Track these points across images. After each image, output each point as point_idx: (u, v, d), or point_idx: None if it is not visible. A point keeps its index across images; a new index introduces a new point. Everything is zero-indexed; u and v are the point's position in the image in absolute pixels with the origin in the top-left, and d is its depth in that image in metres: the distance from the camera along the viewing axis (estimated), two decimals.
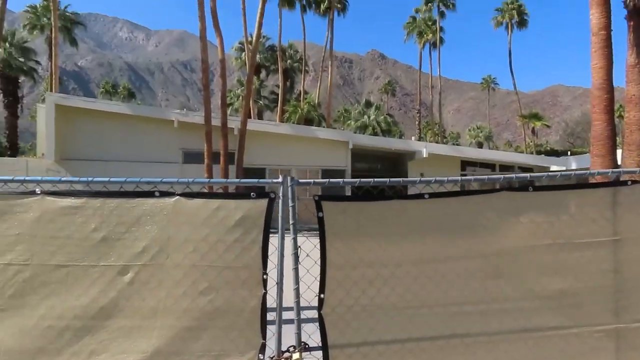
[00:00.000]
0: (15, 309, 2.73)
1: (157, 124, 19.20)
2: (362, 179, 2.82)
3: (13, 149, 39.84)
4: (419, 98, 51.16)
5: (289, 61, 47.29)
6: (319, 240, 2.79)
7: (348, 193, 19.67)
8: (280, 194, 2.82)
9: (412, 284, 2.79)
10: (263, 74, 49.27)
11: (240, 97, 46.54)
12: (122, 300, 2.76)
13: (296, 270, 2.79)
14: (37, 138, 24.97)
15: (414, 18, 49.59)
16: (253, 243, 2.77)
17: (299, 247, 2.81)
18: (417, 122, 52.10)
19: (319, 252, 2.79)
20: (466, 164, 22.20)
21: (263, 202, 2.78)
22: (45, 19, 37.25)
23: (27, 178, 2.81)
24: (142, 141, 19.21)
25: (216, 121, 18.32)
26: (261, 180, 2.86)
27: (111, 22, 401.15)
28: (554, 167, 20.96)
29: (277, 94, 48.25)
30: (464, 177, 2.91)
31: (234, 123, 19.25)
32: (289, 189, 2.80)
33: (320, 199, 2.79)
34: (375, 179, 2.83)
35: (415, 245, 2.81)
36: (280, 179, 2.82)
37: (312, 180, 2.84)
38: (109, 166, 18.89)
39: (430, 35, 47.32)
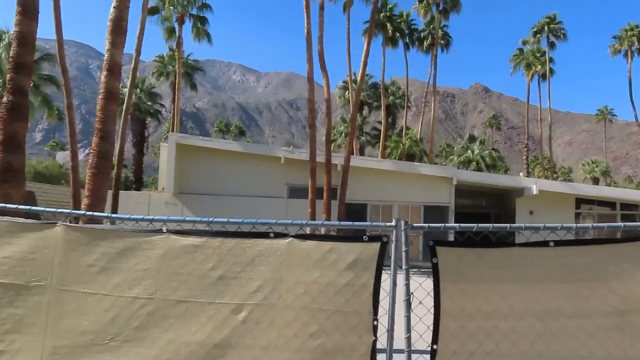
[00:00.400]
0: (139, 340, 2.90)
1: (264, 160, 20.14)
2: (480, 224, 2.66)
3: (138, 183, 44.12)
4: (527, 132, 48.38)
5: (391, 97, 47.57)
6: (432, 286, 2.66)
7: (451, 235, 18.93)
8: (393, 238, 2.75)
9: (536, 340, 2.53)
10: (365, 110, 50.02)
11: (343, 134, 47.49)
12: (235, 338, 2.82)
13: (408, 317, 2.67)
14: (159, 173, 27.35)
15: (521, 50, 47.63)
16: (364, 287, 2.71)
17: (412, 293, 2.70)
18: (524, 157, 49.22)
19: (432, 299, 2.66)
20: (581, 202, 20.38)
21: (375, 246, 2.73)
22: (170, 66, 41.28)
23: (155, 217, 3.04)
24: (250, 176, 20.20)
25: (320, 158, 18.77)
26: (374, 223, 2.82)
27: (226, 66, 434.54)
28: None
29: (379, 130, 48.55)
30: (595, 225, 2.62)
31: (338, 159, 19.59)
32: (402, 233, 2.72)
33: (435, 244, 2.67)
34: (494, 225, 2.66)
35: (539, 297, 2.56)
36: (393, 223, 2.75)
37: (426, 225, 2.74)
38: (220, 200, 20.04)
39: (539, 66, 44.95)
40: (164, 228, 3.01)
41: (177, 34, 33.60)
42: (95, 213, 3.18)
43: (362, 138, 47.71)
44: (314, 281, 2.77)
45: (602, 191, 20.99)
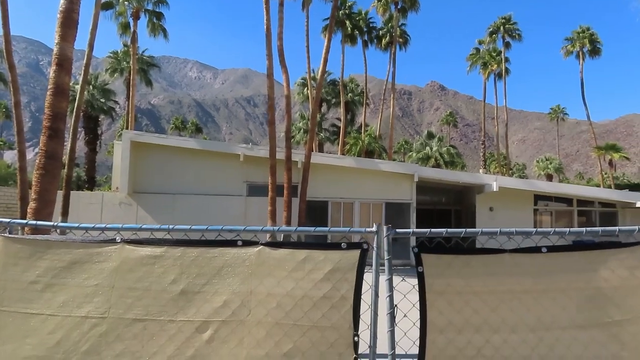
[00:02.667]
0: None
1: (223, 158, 19.61)
2: (468, 230, 2.47)
3: (90, 182, 42.43)
4: (483, 129, 49.70)
5: (349, 94, 47.70)
6: (418, 298, 2.45)
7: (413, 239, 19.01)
8: (374, 245, 2.52)
9: (530, 354, 2.36)
10: (324, 107, 49.95)
11: (302, 130, 47.27)
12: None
13: (392, 332, 2.45)
14: (113, 172, 26.26)
15: (478, 50, 48.71)
16: (343, 300, 2.47)
17: (396, 305, 2.48)
18: (481, 154, 50.48)
19: (417, 311, 2.45)
20: (539, 198, 20.95)
21: (354, 254, 2.49)
22: (125, 63, 39.90)
23: (107, 226, 2.70)
24: (208, 174, 19.64)
25: (280, 155, 18.45)
26: (353, 229, 2.57)
27: (182, 63, 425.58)
28: None
29: (338, 127, 48.60)
30: (574, 230, 2.46)
31: (298, 156, 19.29)
32: (385, 239, 2.49)
33: (421, 251, 2.46)
34: (484, 229, 2.47)
35: (531, 307, 2.39)
36: (374, 228, 2.52)
37: (410, 230, 2.52)
38: (177, 199, 19.39)
39: (495, 65, 46.12)
40: (117, 237, 2.67)
41: (132, 29, 32.39)
42: (39, 222, 2.79)
43: (321, 135, 47.66)
44: (288, 294, 2.51)
45: (560, 188, 21.55)
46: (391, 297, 2.47)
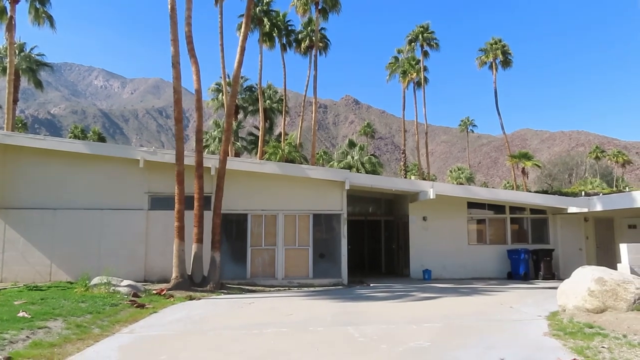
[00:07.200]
0: None
1: (119, 164, 16.25)
2: None
3: None
4: (404, 138, 49.15)
5: (267, 101, 45.26)
6: None
7: (344, 251, 16.84)
8: None
9: None
10: (241, 115, 47.05)
11: (217, 139, 43.96)
12: None
13: None
14: None
15: (397, 58, 48.39)
16: None
17: None
18: (402, 163, 50.06)
19: None
20: (472, 206, 19.69)
21: None
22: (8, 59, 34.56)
23: None
24: (100, 185, 16.20)
25: (189, 160, 15.52)
26: None
27: (86, 70, 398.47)
28: (573, 209, 18.56)
29: (255, 136, 46.00)
30: None
31: (211, 162, 16.40)
32: None
33: None
34: None
35: None
36: None
37: None
38: (60, 216, 15.82)
39: (415, 74, 45.95)
40: None
41: (9, 14, 27.57)
42: None
43: (238, 144, 44.71)
44: None
45: (496, 194, 20.34)
46: None
